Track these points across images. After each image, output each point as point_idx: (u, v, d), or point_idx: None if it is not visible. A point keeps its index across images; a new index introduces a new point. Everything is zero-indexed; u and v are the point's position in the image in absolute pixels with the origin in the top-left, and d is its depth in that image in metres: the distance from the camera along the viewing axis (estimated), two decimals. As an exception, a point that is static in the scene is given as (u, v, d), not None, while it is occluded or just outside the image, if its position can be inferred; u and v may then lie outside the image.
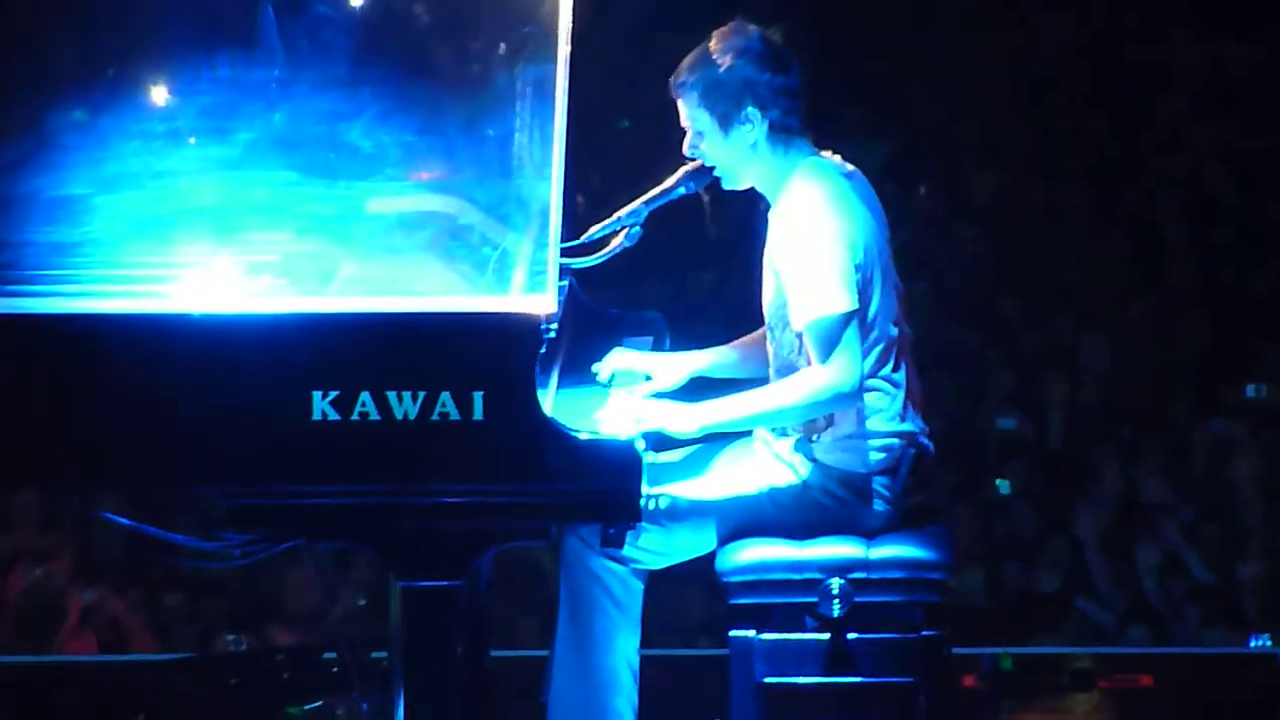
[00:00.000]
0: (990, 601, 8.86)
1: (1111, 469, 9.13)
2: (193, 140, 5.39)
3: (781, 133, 5.15)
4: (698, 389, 5.33)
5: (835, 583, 5.04)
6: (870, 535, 5.11)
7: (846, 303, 5.02)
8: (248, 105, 5.40)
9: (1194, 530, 8.90)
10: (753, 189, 5.22)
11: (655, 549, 5.16)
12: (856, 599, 5.04)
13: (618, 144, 10.38)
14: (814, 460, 5.15)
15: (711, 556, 5.17)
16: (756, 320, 5.27)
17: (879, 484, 5.14)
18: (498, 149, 5.34)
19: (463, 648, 4.89)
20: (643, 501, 4.83)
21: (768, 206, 5.21)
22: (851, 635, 5.04)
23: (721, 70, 5.11)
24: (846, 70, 10.78)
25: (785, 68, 5.14)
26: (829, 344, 5.01)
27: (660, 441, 5.08)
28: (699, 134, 5.16)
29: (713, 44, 5.15)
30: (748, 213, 5.35)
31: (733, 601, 5.10)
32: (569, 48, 5.06)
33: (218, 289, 5.04)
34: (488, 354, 4.77)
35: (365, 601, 8.30)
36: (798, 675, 5.05)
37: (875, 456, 5.14)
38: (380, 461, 4.78)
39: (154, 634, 8.68)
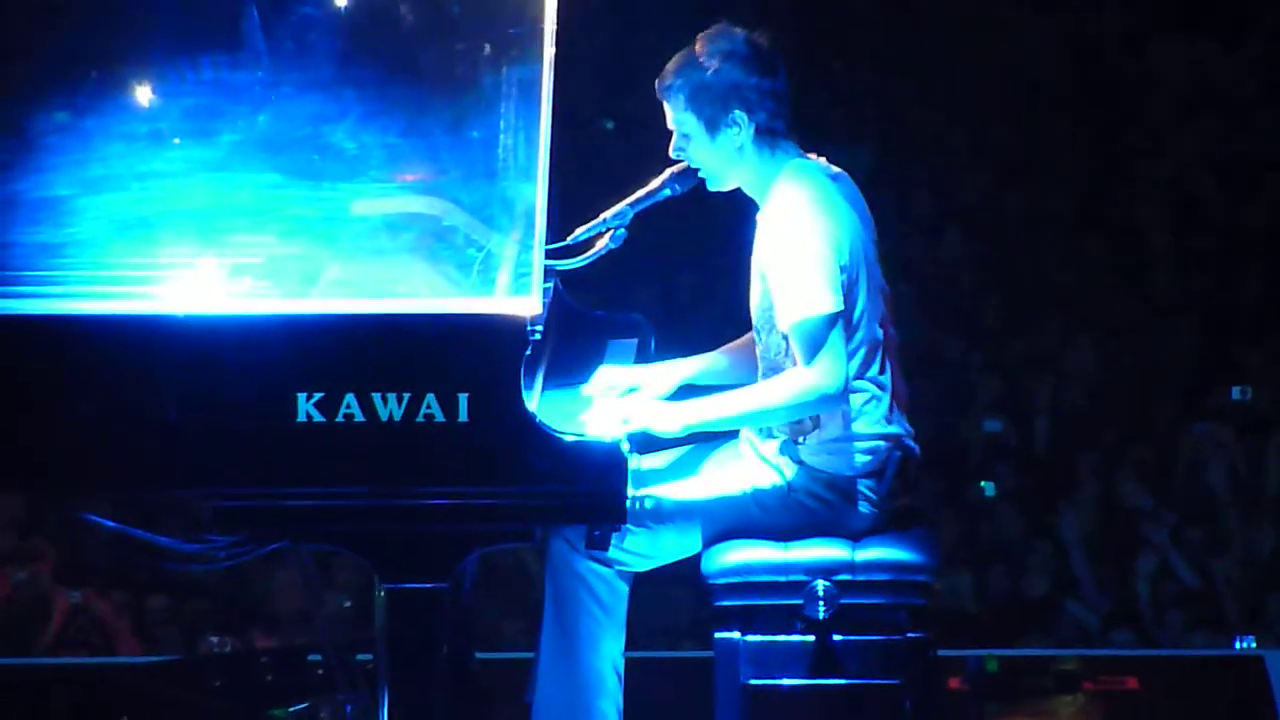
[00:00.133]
0: (977, 605, 8.86)
1: (1096, 473, 9.14)
2: (177, 142, 5.37)
3: (768, 135, 5.14)
4: (683, 389, 5.32)
5: (820, 585, 5.04)
6: (856, 537, 5.11)
7: (831, 304, 5.01)
8: (232, 107, 5.38)
9: (1178, 534, 8.91)
10: (739, 191, 5.21)
11: (640, 551, 5.15)
12: (842, 601, 5.03)
13: (603, 145, 10.39)
14: (799, 462, 5.14)
15: (697, 558, 5.16)
16: (742, 323, 5.26)
17: (864, 486, 5.13)
18: (483, 151, 5.32)
19: (448, 649, 4.88)
20: (628, 503, 4.82)
21: (755, 209, 5.20)
22: (837, 637, 5.04)
23: (708, 73, 5.10)
24: (833, 75, 10.80)
25: (771, 70, 5.13)
26: (814, 345, 5.00)
27: (646, 442, 5.07)
28: (685, 136, 5.15)
29: (699, 47, 5.13)
30: (734, 215, 5.34)
31: (718, 603, 5.09)
32: (554, 49, 5.06)
33: (202, 291, 5.03)
34: (473, 356, 4.76)
35: (350, 603, 8.29)
36: (783, 677, 5.05)
37: (861, 459, 5.13)
38: (365, 463, 4.77)
39: (139, 636, 8.66)
